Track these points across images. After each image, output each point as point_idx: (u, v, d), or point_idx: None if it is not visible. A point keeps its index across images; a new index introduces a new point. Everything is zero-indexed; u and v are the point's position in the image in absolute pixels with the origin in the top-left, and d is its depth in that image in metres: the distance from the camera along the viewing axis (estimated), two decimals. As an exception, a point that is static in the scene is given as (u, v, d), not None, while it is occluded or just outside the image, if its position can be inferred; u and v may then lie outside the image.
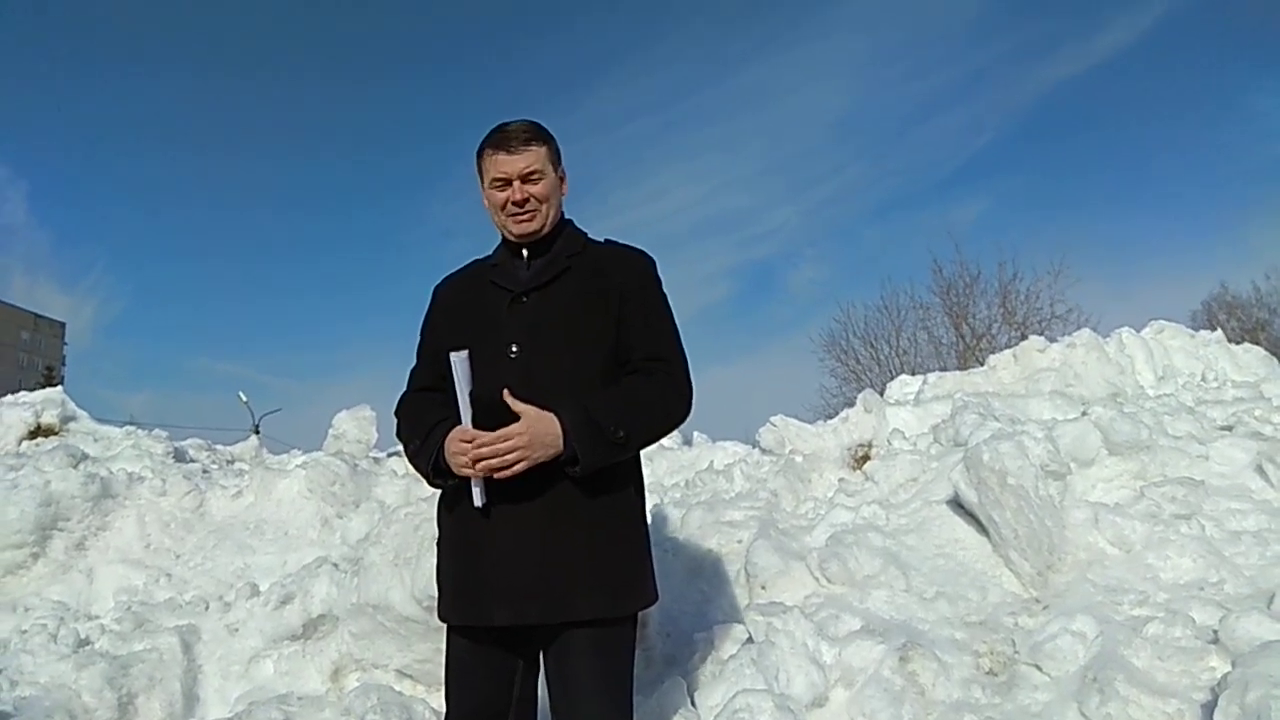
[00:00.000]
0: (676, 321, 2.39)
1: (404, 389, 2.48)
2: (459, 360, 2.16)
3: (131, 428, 7.84)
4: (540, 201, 2.30)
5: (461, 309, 2.39)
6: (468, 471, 2.12)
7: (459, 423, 2.17)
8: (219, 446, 8.47)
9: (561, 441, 2.09)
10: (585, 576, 2.14)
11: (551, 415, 2.10)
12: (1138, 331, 7.03)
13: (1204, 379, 6.51)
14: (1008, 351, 6.99)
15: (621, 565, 2.21)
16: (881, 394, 6.80)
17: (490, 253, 2.46)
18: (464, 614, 2.23)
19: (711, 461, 6.00)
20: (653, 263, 2.42)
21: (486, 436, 2.08)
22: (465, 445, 2.10)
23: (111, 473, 5.50)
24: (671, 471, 6.18)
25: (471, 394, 2.16)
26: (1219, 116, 48.11)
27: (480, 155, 2.36)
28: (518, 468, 2.08)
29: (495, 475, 2.10)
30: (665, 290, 2.41)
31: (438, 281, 2.53)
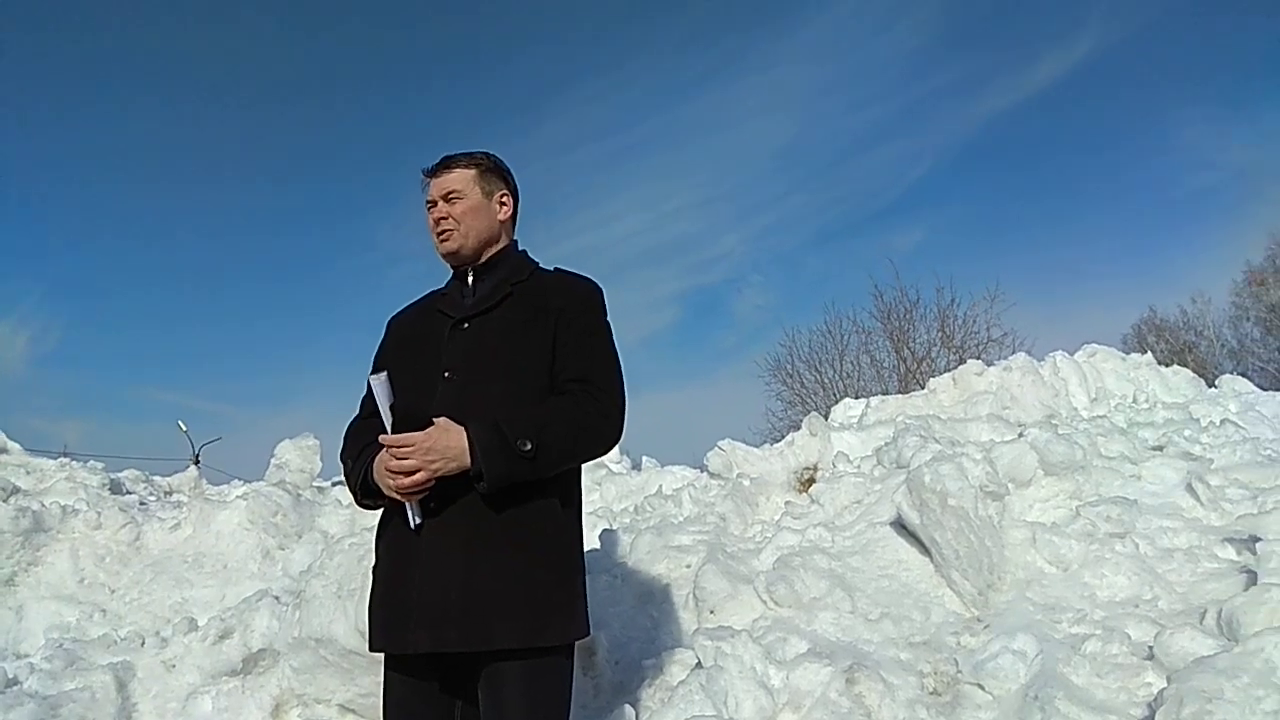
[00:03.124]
0: (616, 351, 2.39)
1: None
2: (378, 382, 2.20)
3: (66, 459, 7.64)
4: (457, 221, 2.34)
5: (407, 338, 2.42)
6: (390, 486, 2.11)
7: None
8: (157, 477, 8.28)
9: (467, 455, 2.07)
10: (508, 604, 2.09)
11: (460, 428, 2.09)
12: (1071, 355, 7.21)
13: (1135, 401, 6.70)
14: (947, 375, 7.13)
15: (548, 593, 2.15)
16: (826, 417, 6.89)
17: (444, 284, 2.49)
18: (386, 640, 2.19)
19: (660, 486, 6.02)
20: (598, 290, 2.43)
21: (392, 438, 2.09)
22: (385, 456, 2.11)
23: (44, 506, 5.35)
24: (620, 496, 6.19)
25: (391, 407, 2.18)
26: (1147, 147, 49.77)
27: (422, 186, 2.44)
28: (418, 477, 2.07)
29: (397, 486, 2.09)
30: (609, 320, 2.42)
31: (393, 313, 2.56)
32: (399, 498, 2.12)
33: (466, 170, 2.39)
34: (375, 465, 2.16)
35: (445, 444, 2.07)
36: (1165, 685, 2.58)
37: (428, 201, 2.39)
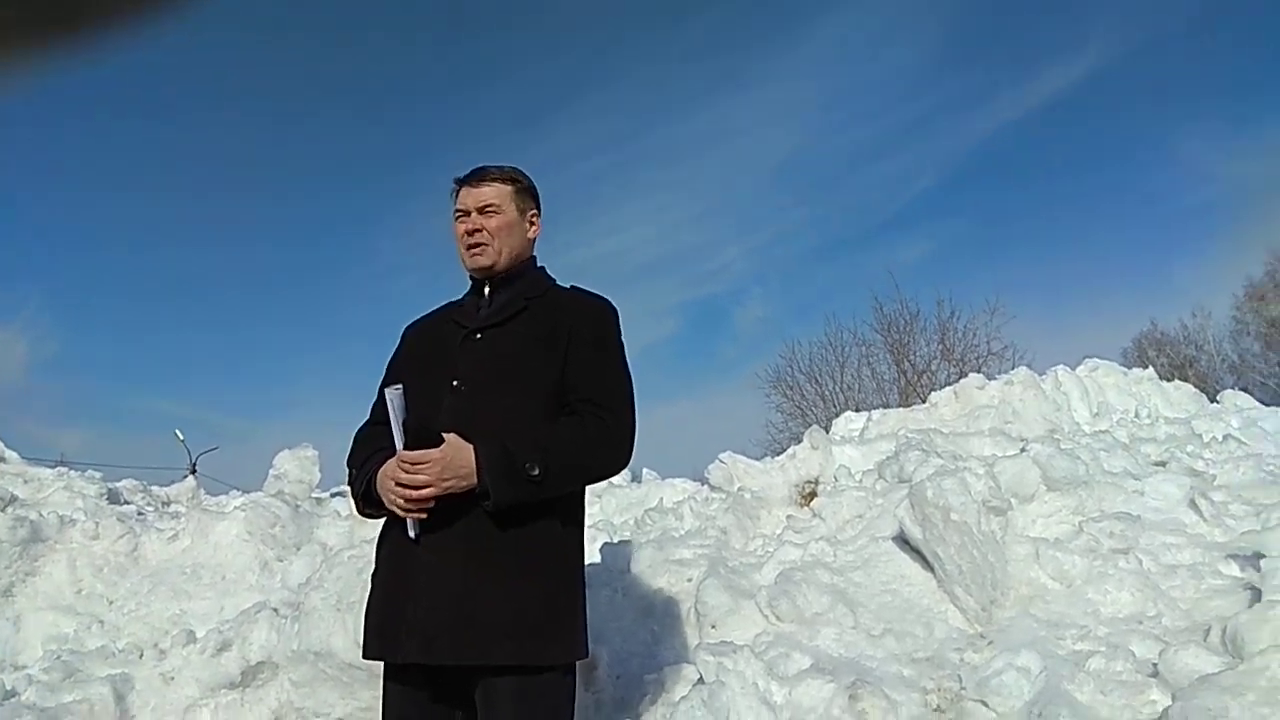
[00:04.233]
0: (629, 372, 2.38)
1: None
2: (394, 395, 2.18)
3: (63, 469, 7.62)
4: (492, 235, 2.33)
5: (420, 346, 2.43)
6: (397, 502, 2.10)
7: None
8: (155, 488, 8.24)
9: (475, 474, 2.07)
10: (503, 619, 2.07)
11: (470, 446, 2.08)
12: (1072, 369, 7.20)
13: (1137, 415, 6.69)
14: (948, 389, 7.12)
15: (545, 611, 2.14)
16: (827, 430, 6.87)
17: (462, 295, 2.49)
18: (378, 648, 2.19)
19: (661, 499, 6.00)
20: (612, 310, 2.43)
21: (406, 455, 2.08)
22: (395, 471, 2.10)
23: (42, 515, 5.33)
24: (621, 509, 6.17)
25: (405, 423, 2.16)
26: (1147, 161, 49.80)
27: (452, 193, 2.42)
28: (426, 492, 2.06)
29: (406, 500, 2.08)
30: (623, 341, 2.41)
31: (409, 322, 2.57)
32: (400, 511, 2.11)
33: (504, 185, 2.38)
34: (379, 476, 2.15)
35: (458, 462, 2.07)
36: (1170, 703, 2.57)
37: (459, 211, 2.36)
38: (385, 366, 2.50)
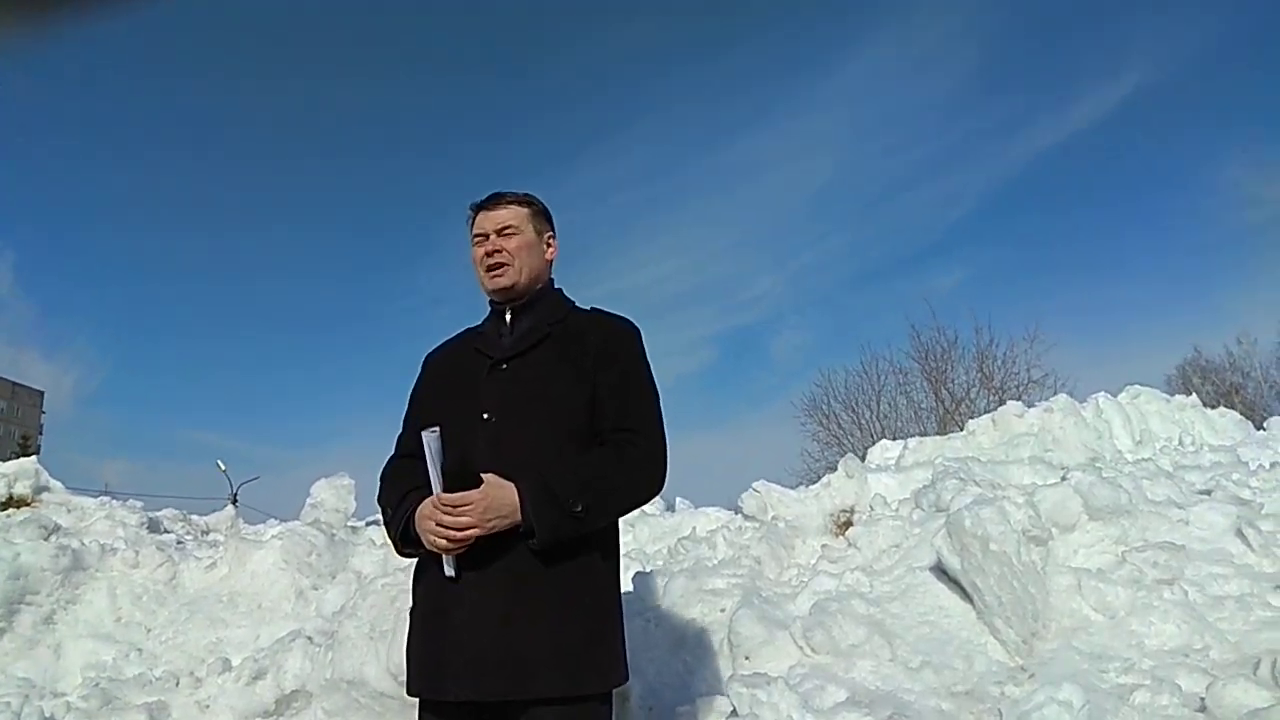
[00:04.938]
0: (658, 393, 2.37)
1: (391, 454, 2.47)
2: (431, 438, 2.16)
3: (106, 498, 7.73)
4: (512, 256, 2.34)
5: (444, 377, 2.41)
6: (436, 544, 2.10)
7: (430, 494, 2.15)
8: (194, 516, 8.35)
9: (519, 512, 2.07)
10: (547, 652, 2.07)
11: (511, 485, 2.08)
12: (1114, 396, 7.09)
13: (1181, 443, 6.55)
14: (986, 416, 7.03)
15: (588, 641, 2.14)
16: (863, 459, 6.80)
17: (480, 321, 2.49)
18: (425, 687, 2.18)
19: (694, 528, 5.96)
20: (636, 332, 2.42)
21: (448, 497, 2.08)
22: (433, 512, 2.09)
23: (84, 544, 5.40)
24: (654, 538, 6.13)
25: (443, 468, 2.14)
26: (1191, 184, 49.26)
27: (468, 221, 2.44)
28: (470, 533, 2.06)
29: (450, 543, 2.08)
30: (648, 360, 2.40)
31: (430, 350, 2.56)
32: (439, 550, 2.11)
33: (520, 208, 2.40)
34: (417, 517, 2.15)
35: (500, 502, 2.07)
36: (1220, 740, 2.49)
37: (477, 235, 2.38)
38: (409, 396, 2.50)
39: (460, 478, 2.11)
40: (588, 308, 2.47)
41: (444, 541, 2.08)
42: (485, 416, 2.21)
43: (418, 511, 2.15)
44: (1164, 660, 3.28)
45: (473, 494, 2.07)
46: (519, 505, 2.07)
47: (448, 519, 2.07)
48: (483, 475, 2.10)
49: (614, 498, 2.19)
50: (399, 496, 2.25)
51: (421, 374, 2.52)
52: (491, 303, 2.44)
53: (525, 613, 2.09)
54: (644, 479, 2.24)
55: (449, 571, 2.13)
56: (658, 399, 2.37)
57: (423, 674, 2.18)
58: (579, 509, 2.08)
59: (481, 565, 2.11)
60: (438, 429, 2.17)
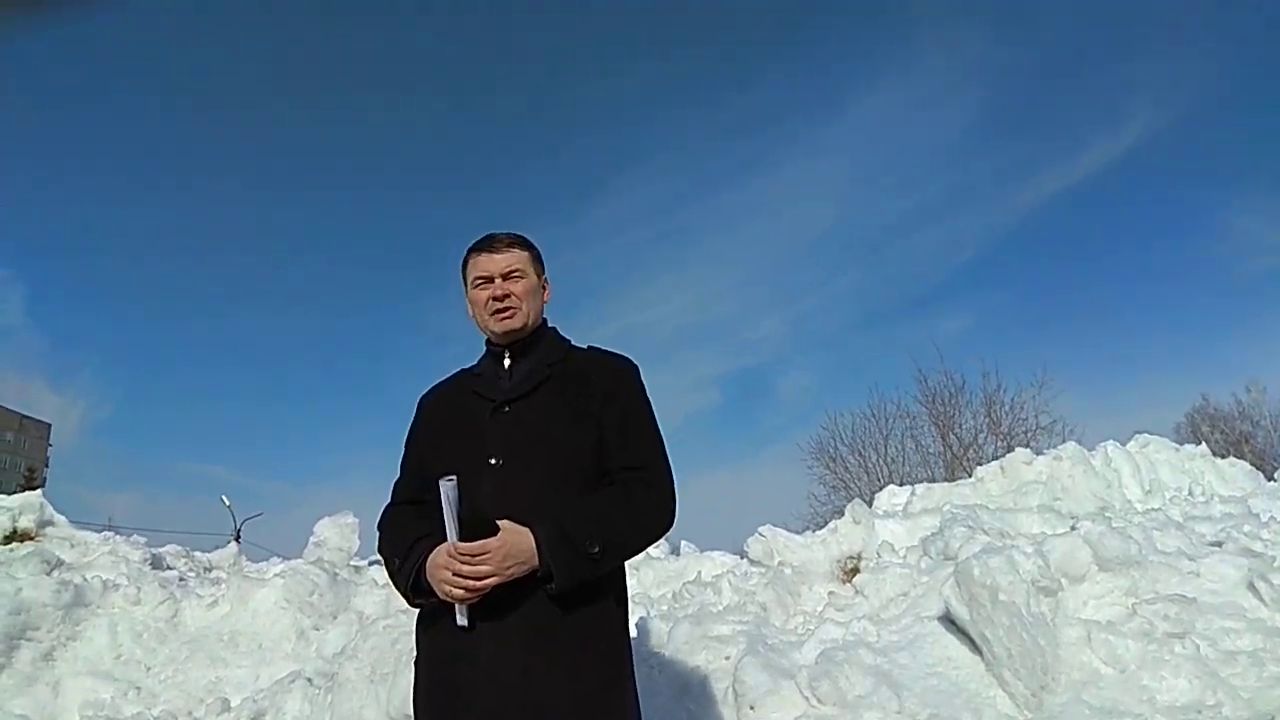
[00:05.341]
0: (660, 430, 2.38)
1: (388, 501, 2.45)
2: (449, 487, 2.13)
3: (109, 533, 7.72)
4: (520, 299, 2.34)
5: (444, 420, 2.39)
6: (453, 594, 2.07)
7: (440, 541, 2.13)
8: (197, 553, 8.32)
9: (535, 557, 2.06)
10: (566, 699, 2.06)
11: (526, 530, 2.08)
12: (1122, 444, 7.05)
13: (1191, 493, 6.50)
14: (995, 463, 6.99)
15: (604, 687, 2.14)
16: (870, 504, 6.76)
17: (475, 362, 2.47)
18: None
19: (699, 572, 5.91)
20: (636, 370, 2.43)
21: (465, 547, 2.06)
22: (449, 562, 2.07)
23: (86, 580, 5.38)
24: (658, 582, 6.08)
25: (460, 518, 2.12)
26: (1198, 232, 49.45)
27: (465, 262, 2.43)
28: (489, 582, 2.04)
29: (468, 590, 2.05)
30: (649, 398, 2.41)
31: (424, 392, 2.53)
32: (453, 599, 2.09)
33: (523, 251, 2.41)
34: (429, 566, 2.13)
35: (518, 548, 2.06)
36: (1234, 801, 2.44)
37: (480, 278, 2.36)
38: (405, 441, 2.48)
39: (473, 525, 2.09)
40: (585, 346, 2.47)
41: (461, 592, 2.06)
42: (493, 461, 2.20)
43: (430, 561, 2.12)
44: (1176, 716, 3.23)
45: (491, 542, 2.06)
46: (535, 550, 2.06)
47: (466, 569, 2.05)
48: (499, 522, 2.09)
49: (628, 537, 2.20)
50: (406, 546, 2.21)
51: (418, 418, 2.49)
52: (489, 344, 2.43)
53: (543, 661, 2.07)
54: (655, 517, 2.25)
55: (462, 621, 2.10)
56: (661, 436, 2.38)
57: None
58: (595, 550, 2.08)
59: (497, 614, 2.09)
60: (454, 478, 2.14)
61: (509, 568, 2.05)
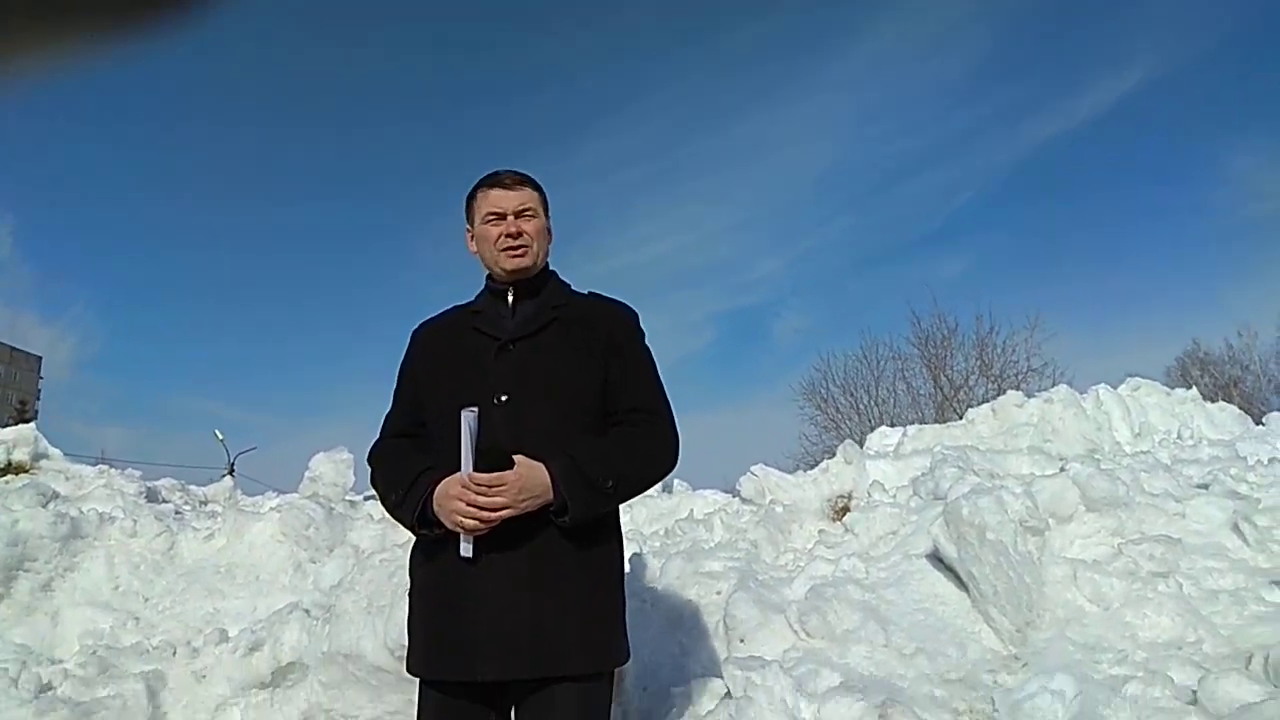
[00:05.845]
0: (660, 374, 2.42)
1: (378, 434, 2.44)
2: (470, 417, 2.13)
3: (104, 466, 7.74)
4: (532, 239, 2.34)
5: (444, 356, 2.38)
6: (465, 524, 2.08)
7: (443, 473, 2.14)
8: (192, 487, 8.37)
9: (550, 491, 2.09)
10: (575, 631, 2.11)
11: (541, 465, 2.10)
12: (1114, 387, 7.09)
13: (1180, 436, 6.56)
14: (986, 405, 7.04)
15: (607, 620, 2.20)
16: (861, 445, 6.81)
17: (472, 299, 2.46)
18: (444, 668, 2.17)
19: (691, 510, 5.98)
20: (637, 317, 2.45)
21: (481, 477, 2.07)
22: (462, 492, 2.08)
23: (82, 512, 5.42)
24: (651, 520, 6.15)
25: (477, 449, 2.13)
26: (1195, 176, 49.26)
27: (472, 196, 2.40)
28: (503, 513, 2.06)
29: (482, 520, 2.07)
30: (648, 343, 2.43)
31: (416, 326, 2.52)
32: (465, 530, 2.10)
33: (534, 191, 2.40)
34: (438, 496, 2.13)
35: (533, 482, 2.09)
36: (1211, 733, 2.50)
37: (492, 213, 2.33)
38: (399, 372, 2.47)
39: (488, 456, 2.11)
40: (585, 292, 2.47)
41: (474, 523, 2.07)
42: (502, 398, 2.21)
43: (440, 491, 2.12)
44: (1157, 652, 3.29)
45: (507, 475, 2.08)
46: (550, 484, 2.09)
47: (481, 499, 2.07)
48: (514, 456, 2.11)
49: (639, 474, 2.25)
50: (410, 478, 2.21)
51: (413, 350, 2.47)
52: (492, 281, 2.42)
53: (552, 592, 2.11)
54: (663, 455, 2.30)
55: (467, 553, 2.12)
56: (660, 380, 2.41)
57: (439, 655, 2.17)
58: (609, 484, 2.14)
59: (505, 546, 2.11)
60: (477, 409, 2.15)
61: (523, 500, 2.08)
